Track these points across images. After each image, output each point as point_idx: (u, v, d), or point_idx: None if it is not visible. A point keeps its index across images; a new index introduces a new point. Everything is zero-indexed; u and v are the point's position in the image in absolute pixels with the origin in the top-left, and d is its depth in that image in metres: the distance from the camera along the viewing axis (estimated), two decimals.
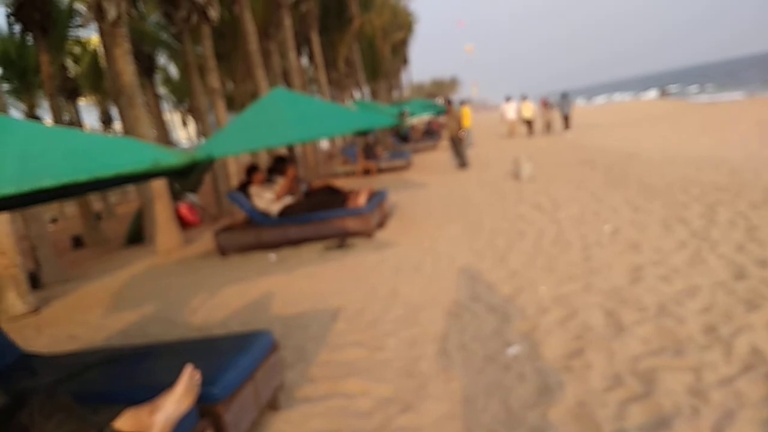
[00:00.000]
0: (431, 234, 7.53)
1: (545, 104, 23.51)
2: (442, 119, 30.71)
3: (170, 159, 2.17)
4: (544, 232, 6.82)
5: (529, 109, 23.05)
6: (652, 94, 57.20)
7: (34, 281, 8.29)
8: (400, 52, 41.90)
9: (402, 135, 24.47)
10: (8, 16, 13.63)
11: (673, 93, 52.28)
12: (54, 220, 21.33)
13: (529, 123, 23.09)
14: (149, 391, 2.61)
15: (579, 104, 22.89)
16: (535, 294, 4.75)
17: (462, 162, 14.62)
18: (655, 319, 3.91)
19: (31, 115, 20.79)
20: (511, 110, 23.67)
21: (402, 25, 38.75)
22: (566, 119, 21.69)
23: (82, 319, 6.25)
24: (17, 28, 13.84)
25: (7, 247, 6.98)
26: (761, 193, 7.13)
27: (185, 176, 3.19)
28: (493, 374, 3.49)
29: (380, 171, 16.47)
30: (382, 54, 33.20)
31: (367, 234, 7.75)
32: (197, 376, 2.41)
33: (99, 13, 9.49)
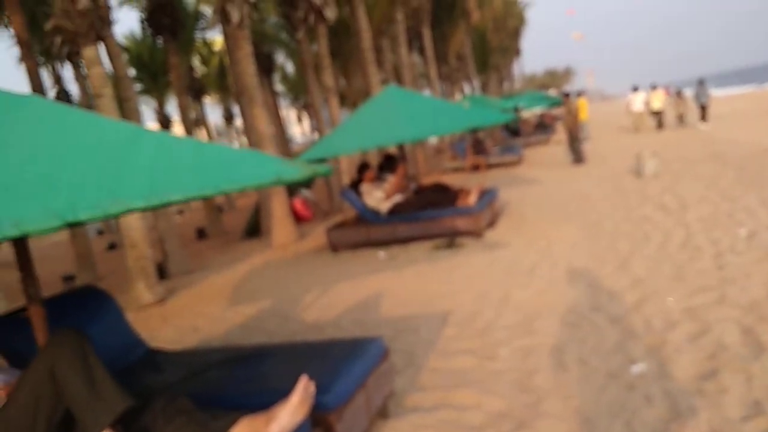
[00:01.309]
0: (545, 234, 7.26)
1: (678, 93, 21.04)
2: (555, 111, 29.66)
3: (292, 173, 2.20)
4: (671, 236, 6.35)
5: (660, 99, 20.51)
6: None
7: (162, 272, 8.88)
8: (511, 43, 40.88)
9: (512, 129, 23.86)
10: (141, 22, 14.69)
11: None
12: (180, 212, 22.85)
13: (658, 115, 20.58)
14: (265, 396, 2.68)
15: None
16: (662, 305, 4.41)
17: (578, 157, 14.01)
18: None
19: (161, 113, 22.44)
20: (638, 101, 21.09)
21: (514, 15, 37.77)
22: (703, 109, 19.50)
23: (204, 311, 6.62)
24: (149, 32, 14.86)
25: (138, 239, 7.53)
26: None
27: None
28: (616, 393, 3.27)
29: (490, 166, 16.13)
30: (493, 46, 32.56)
31: (477, 234, 7.60)
32: (312, 387, 2.43)
33: (223, 17, 9.98)
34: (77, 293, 3.77)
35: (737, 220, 6.53)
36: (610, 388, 3.34)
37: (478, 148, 16.97)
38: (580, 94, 20.13)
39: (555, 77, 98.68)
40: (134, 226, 7.57)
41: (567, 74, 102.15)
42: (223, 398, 2.90)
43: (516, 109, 19.42)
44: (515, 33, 40.79)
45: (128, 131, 2.62)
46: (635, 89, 21.24)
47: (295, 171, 2.21)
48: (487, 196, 8.30)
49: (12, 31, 11.35)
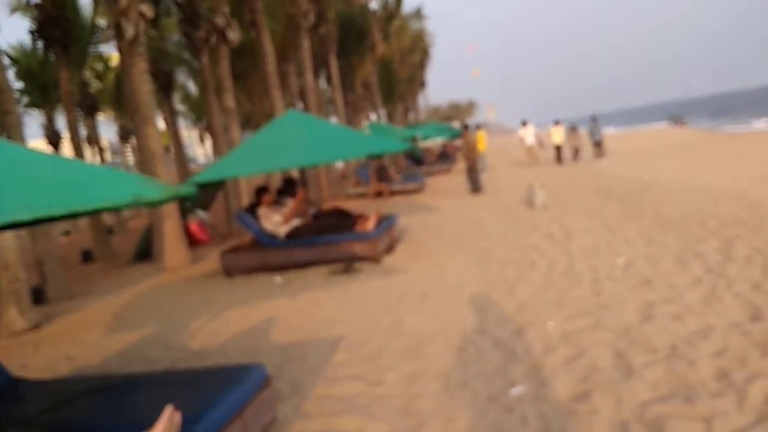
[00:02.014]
0: (440, 261, 7.40)
1: (572, 129, 21.48)
2: (457, 142, 30.67)
3: (152, 194, 2.09)
4: (555, 264, 6.66)
5: (560, 135, 20.73)
6: (662, 124, 56.17)
7: (39, 297, 8.26)
8: (417, 75, 42.08)
9: (416, 158, 24.42)
10: (31, 33, 13.84)
11: (686, 123, 51.54)
12: (67, 233, 21.46)
13: (558, 149, 20.69)
14: (132, 427, 2.51)
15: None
16: (543, 329, 4.58)
17: (476, 187, 14.50)
18: (666, 362, 3.73)
19: (50, 128, 21.12)
20: (529, 135, 21.60)
21: (419, 48, 38.96)
22: (598, 145, 20.18)
23: (82, 338, 6.18)
24: (39, 44, 14.03)
25: (12, 261, 6.96)
26: None
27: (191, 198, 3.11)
28: (496, 416, 3.33)
29: (393, 193, 16.38)
30: (398, 77, 33.35)
31: (374, 259, 7.63)
32: (178, 417, 2.28)
33: (118, 32, 9.58)
34: None
35: (616, 250, 6.95)
36: (490, 410, 3.40)
37: (382, 175, 17.20)
38: (479, 126, 20.77)
39: (458, 110, 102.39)
40: (7, 246, 6.99)
41: (470, 107, 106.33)
42: (89, 428, 2.69)
43: (413, 139, 19.86)
44: (420, 65, 42.05)
45: None
46: (524, 123, 21.93)
47: (156, 191, 2.11)
48: (386, 222, 8.38)
49: None
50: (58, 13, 13.13)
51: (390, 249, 8.30)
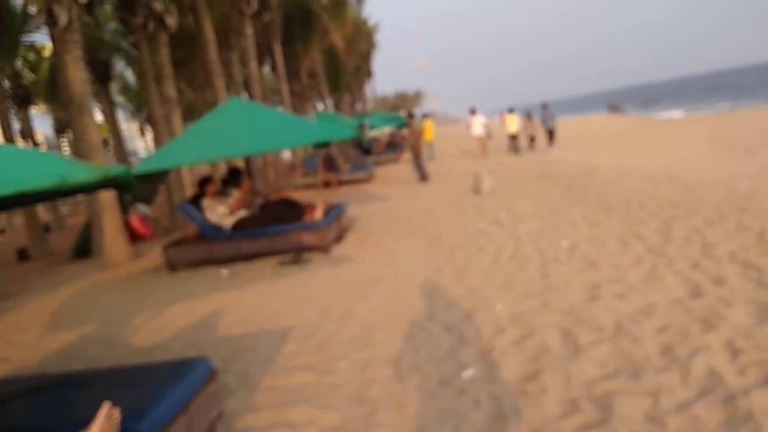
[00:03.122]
0: (390, 249, 7.38)
1: (528, 116, 19.95)
2: (404, 132, 30.70)
3: (79, 175, 1.96)
4: (503, 248, 6.73)
5: (515, 123, 19.34)
6: (602, 112, 57.16)
7: None
8: (363, 65, 41.92)
9: (364, 147, 24.32)
10: None
11: (626, 110, 52.96)
12: (1, 231, 20.48)
13: (515, 139, 19.36)
14: (71, 427, 2.37)
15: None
16: (492, 312, 4.62)
17: (423, 175, 14.55)
18: (611, 339, 3.81)
19: None
20: (478, 125, 19.29)
21: (364, 37, 38.79)
22: (551, 133, 19.43)
23: (17, 339, 5.88)
24: None
25: None
26: (715, 209, 7.19)
27: (128, 189, 2.96)
28: (447, 400, 3.33)
29: (341, 183, 16.27)
30: (345, 66, 33.13)
31: (323, 249, 7.54)
32: (116, 414, 2.17)
33: (50, 18, 9.11)
34: None
35: (561, 233, 7.08)
36: (442, 394, 3.39)
37: (330, 165, 17.05)
38: (426, 115, 20.35)
39: (405, 99, 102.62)
40: None
41: (417, 97, 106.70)
42: (25, 429, 2.54)
43: (361, 126, 19.71)
44: (366, 55, 41.89)
45: None
46: (473, 112, 19.71)
47: (84, 173, 1.98)
48: (334, 211, 8.29)
49: None
50: None
51: (339, 238, 8.23)
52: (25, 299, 7.84)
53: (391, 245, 7.57)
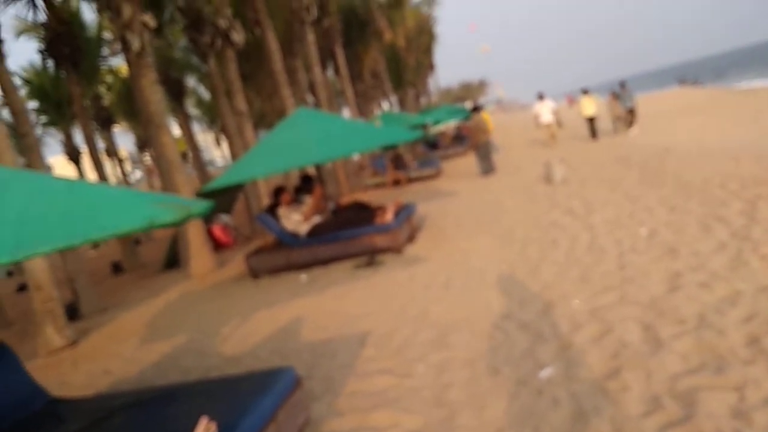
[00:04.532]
0: (462, 247, 7.40)
1: (613, 96, 18.45)
2: (470, 124, 30.41)
3: (166, 216, 2.14)
4: (578, 239, 6.62)
5: (592, 105, 17.64)
6: (675, 86, 53.96)
7: (73, 313, 8.44)
8: (425, 59, 41.82)
9: (431, 142, 24.33)
10: (40, 52, 14.03)
11: (700, 82, 49.99)
12: (95, 246, 21.83)
13: (592, 122, 17.75)
14: None
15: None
16: (568, 308, 4.58)
17: (487, 168, 14.40)
18: (694, 332, 3.71)
19: (69, 144, 21.49)
20: (546, 111, 17.91)
21: (425, 32, 38.68)
22: (631, 113, 17.82)
23: (117, 351, 6.32)
24: (50, 62, 14.24)
25: (43, 281, 7.13)
26: None
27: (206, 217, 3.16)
28: (526, 400, 3.36)
29: (410, 181, 16.38)
30: (407, 62, 33.19)
31: (396, 250, 7.66)
32: (213, 427, 2.36)
33: (124, 45, 9.68)
34: None
35: (638, 220, 6.89)
36: (520, 395, 3.42)
37: (398, 163, 17.18)
38: (477, 108, 18.55)
39: (470, 90, 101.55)
40: (39, 268, 7.16)
41: (481, 86, 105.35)
42: None
43: (424, 126, 19.68)
44: (427, 49, 41.77)
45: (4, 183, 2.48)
46: (540, 97, 18.35)
47: (169, 213, 2.16)
48: (404, 211, 8.39)
49: None
50: (64, 30, 13.27)
51: (411, 238, 8.32)
52: (121, 311, 8.40)
53: (462, 243, 7.59)
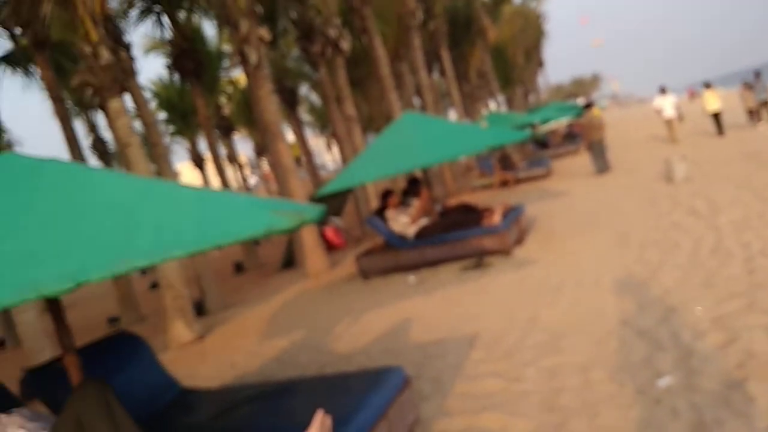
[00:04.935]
0: (574, 249, 7.20)
1: (746, 86, 16.93)
2: (583, 121, 29.26)
3: (282, 224, 2.31)
4: (702, 242, 6.24)
5: (715, 100, 16.23)
6: None
7: (200, 309, 9.09)
8: (533, 56, 40.83)
9: (540, 141, 23.73)
10: (168, 67, 15.23)
11: None
12: (219, 247, 23.28)
13: (717, 117, 16.31)
14: (288, 430, 2.76)
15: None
16: (690, 315, 4.35)
17: (602, 166, 13.84)
18: None
19: (194, 152, 23.13)
20: (668, 105, 16.85)
21: (533, 28, 37.78)
22: (765, 105, 16.25)
23: (241, 346, 6.76)
24: (175, 76, 15.41)
25: (174, 279, 7.74)
26: None
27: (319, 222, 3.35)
28: (643, 409, 3.24)
29: (518, 181, 16.08)
30: (514, 61, 32.59)
31: (504, 252, 7.59)
32: (328, 421, 2.50)
33: (242, 58, 10.28)
34: (111, 340, 3.92)
35: None
36: (636, 403, 3.31)
37: (506, 163, 16.94)
38: (589, 105, 17.95)
39: (582, 85, 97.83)
40: (170, 267, 7.78)
41: (594, 81, 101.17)
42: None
43: (532, 126, 19.18)
44: (536, 45, 40.76)
45: (137, 188, 2.78)
46: (662, 91, 17.56)
47: (285, 221, 2.33)
48: (513, 213, 8.29)
49: (44, 85, 11.93)
50: (188, 46, 14.30)
51: (520, 240, 8.21)
52: (243, 308, 8.94)
53: (575, 245, 7.38)
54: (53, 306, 3.03)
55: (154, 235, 2.15)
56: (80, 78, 7.39)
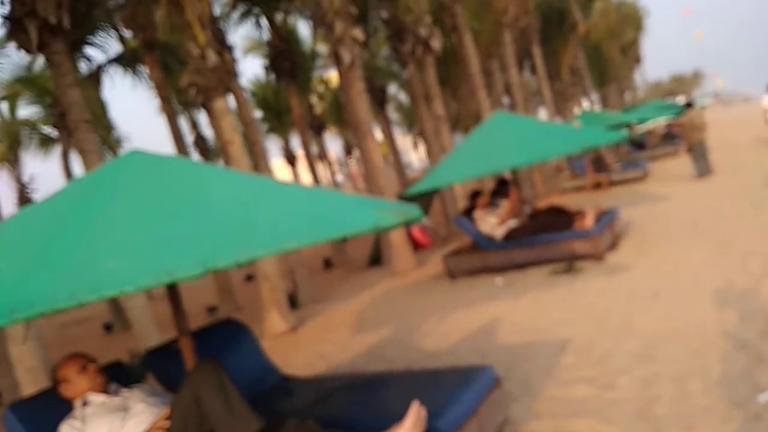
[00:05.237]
0: (671, 256, 6.95)
1: None
2: (683, 120, 27.75)
3: (388, 220, 2.46)
4: None
5: None
6: None
7: (292, 302, 9.47)
8: (630, 52, 39.18)
9: (637, 142, 22.77)
10: (265, 68, 15.89)
11: None
12: (330, 240, 24.07)
13: None
14: (382, 420, 2.91)
15: None
16: None
17: (703, 169, 13.15)
18: None
19: (287, 149, 24.02)
20: None
21: (631, 23, 36.24)
22: None
23: (331, 339, 7.02)
24: (272, 76, 16.05)
25: (271, 272, 8.13)
26: None
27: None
28: (742, 424, 3.15)
29: (612, 184, 15.57)
30: (610, 57, 31.43)
31: (597, 257, 7.44)
32: (423, 412, 2.62)
33: (336, 58, 10.60)
34: (219, 326, 4.23)
35: None
36: (735, 418, 3.22)
37: (599, 165, 16.44)
38: (690, 104, 17.01)
39: (682, 82, 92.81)
40: (267, 260, 8.18)
41: (696, 78, 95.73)
42: (345, 421, 3.16)
43: (629, 126, 18.42)
44: (633, 40, 39.10)
45: (253, 184, 3.02)
46: None
47: (390, 219, 2.48)
48: (606, 217, 8.10)
49: (152, 85, 12.79)
50: (285, 47, 14.86)
51: (613, 245, 8.00)
52: (333, 303, 9.24)
53: (671, 252, 7.12)
54: (172, 293, 3.33)
55: (270, 227, 2.35)
56: (188, 79, 7.90)
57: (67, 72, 7.32)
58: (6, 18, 7.36)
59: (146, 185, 2.84)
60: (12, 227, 3.04)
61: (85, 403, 3.09)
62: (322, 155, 25.96)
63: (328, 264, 14.67)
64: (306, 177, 26.68)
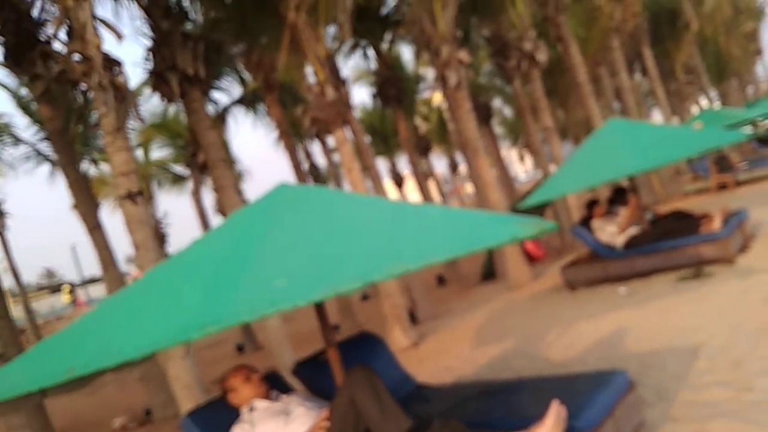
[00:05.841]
0: None
1: None
2: None
3: (524, 231, 2.68)
4: None
5: None
6: None
7: (412, 317, 9.79)
8: (750, 45, 36.54)
9: (763, 138, 21.22)
10: (373, 96, 16.54)
11: None
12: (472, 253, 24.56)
13: None
14: (520, 422, 3.10)
15: None
16: None
17: None
18: None
19: (394, 171, 24.74)
20: None
21: (749, 14, 33.87)
22: None
23: (454, 352, 7.23)
24: (379, 103, 16.68)
25: (393, 290, 8.50)
26: None
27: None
28: None
29: (739, 184, 14.67)
30: (727, 51, 29.54)
31: (726, 261, 7.15)
32: (563, 411, 2.79)
33: (443, 81, 10.92)
34: (358, 338, 4.61)
35: None
36: None
37: (723, 165, 15.55)
38: None
39: None
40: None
41: None
42: (485, 423, 3.37)
43: (753, 123, 17.28)
44: (752, 32, 36.46)
45: (390, 207, 3.35)
46: None
47: (527, 230, 2.68)
48: (735, 218, 7.77)
49: (272, 119, 13.75)
50: (391, 75, 15.40)
51: (744, 248, 7.64)
52: (451, 318, 9.45)
53: None
54: (320, 310, 3.73)
55: (416, 243, 2.64)
56: (311, 114, 8.52)
57: (204, 117, 8.16)
58: (150, 72, 8.33)
59: (297, 213, 3.24)
60: (187, 257, 3.55)
61: (251, 409, 3.52)
62: (429, 174, 26.39)
63: (441, 280, 14.91)
64: (413, 196, 27.14)
